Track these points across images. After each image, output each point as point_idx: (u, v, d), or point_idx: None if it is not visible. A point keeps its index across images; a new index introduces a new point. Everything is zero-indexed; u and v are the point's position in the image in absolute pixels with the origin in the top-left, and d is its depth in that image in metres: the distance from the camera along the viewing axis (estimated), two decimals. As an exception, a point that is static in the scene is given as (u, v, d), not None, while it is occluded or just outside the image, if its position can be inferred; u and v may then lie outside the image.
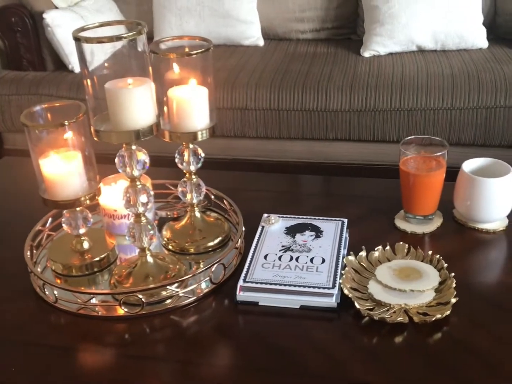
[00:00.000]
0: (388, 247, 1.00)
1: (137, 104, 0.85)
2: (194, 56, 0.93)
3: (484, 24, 2.23)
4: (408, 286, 0.88)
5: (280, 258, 0.97)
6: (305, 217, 1.08)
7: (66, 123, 0.88)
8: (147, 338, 0.87)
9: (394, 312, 0.86)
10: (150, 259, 0.96)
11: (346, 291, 0.89)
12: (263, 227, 1.06)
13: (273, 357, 0.81)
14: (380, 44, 2.21)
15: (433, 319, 0.83)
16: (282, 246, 1.00)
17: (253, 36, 2.44)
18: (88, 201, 0.94)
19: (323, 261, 0.96)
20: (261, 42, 2.45)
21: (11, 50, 2.29)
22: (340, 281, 0.91)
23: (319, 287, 0.89)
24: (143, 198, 0.91)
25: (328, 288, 0.89)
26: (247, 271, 0.94)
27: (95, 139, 0.88)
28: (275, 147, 2.10)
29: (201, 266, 1.01)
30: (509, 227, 1.06)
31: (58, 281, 0.99)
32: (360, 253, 0.98)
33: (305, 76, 2.07)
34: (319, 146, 2.07)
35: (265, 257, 0.97)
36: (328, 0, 2.46)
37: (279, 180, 1.37)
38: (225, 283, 0.96)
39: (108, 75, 0.86)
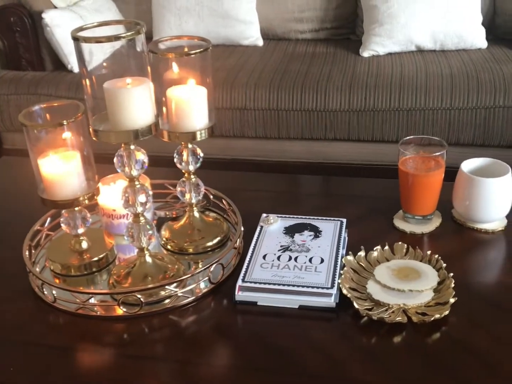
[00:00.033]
0: (387, 247, 1.00)
1: (135, 104, 0.85)
2: (193, 56, 0.93)
3: (483, 24, 2.23)
4: (407, 286, 0.88)
5: (279, 258, 0.97)
6: (304, 217, 1.08)
7: (65, 123, 0.88)
8: (146, 338, 0.87)
9: (392, 312, 0.86)
10: (148, 259, 0.96)
11: (344, 291, 0.89)
12: (262, 227, 1.06)
13: (271, 357, 0.81)
14: (379, 44, 2.21)
15: (432, 319, 0.83)
16: (281, 246, 1.00)
17: (252, 36, 2.44)
18: (86, 201, 0.94)
19: (322, 261, 0.96)
20: (260, 42, 2.45)
21: (10, 50, 2.28)
22: (339, 281, 0.91)
23: (317, 287, 0.89)
24: (141, 198, 0.91)
25: (327, 288, 0.89)
26: (246, 271, 0.94)
27: (94, 138, 0.88)
28: (274, 147, 2.10)
29: (200, 266, 1.01)
30: (508, 227, 1.06)
31: (57, 281, 0.99)
32: (359, 253, 0.98)
33: (304, 76, 2.07)
34: (318, 146, 2.07)
35: (264, 257, 0.97)
36: (327, 1, 2.46)
37: (278, 180, 1.37)
38: (224, 283, 0.96)
39: (106, 75, 0.86)
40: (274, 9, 2.49)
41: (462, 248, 1.03)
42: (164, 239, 1.07)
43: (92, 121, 0.87)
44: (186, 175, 1.03)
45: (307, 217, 1.08)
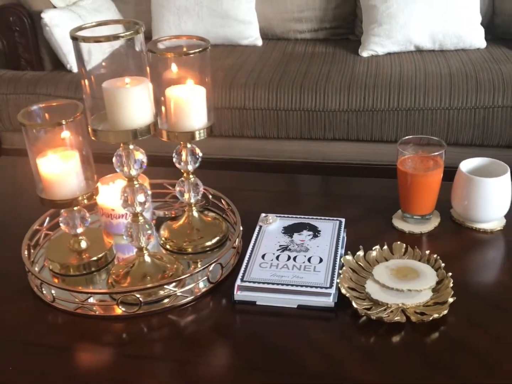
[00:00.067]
0: (385, 247, 1.00)
1: (134, 103, 0.84)
2: (191, 55, 0.93)
3: (482, 24, 2.23)
4: (406, 286, 0.88)
5: (277, 257, 0.97)
6: (302, 216, 1.08)
7: (64, 123, 0.88)
8: (145, 337, 0.87)
9: (391, 311, 0.86)
10: (147, 258, 0.96)
11: (343, 291, 0.89)
12: (260, 226, 1.06)
13: (270, 357, 0.81)
14: (378, 44, 2.21)
15: (431, 318, 0.83)
16: (280, 245, 1.00)
17: (251, 36, 2.44)
18: (85, 201, 0.94)
19: (321, 260, 0.96)
20: (259, 42, 2.45)
21: (9, 50, 2.28)
22: (338, 280, 0.91)
23: (316, 287, 0.89)
24: (140, 197, 0.91)
25: (326, 288, 0.89)
26: (245, 271, 0.94)
27: (93, 138, 0.88)
28: (273, 147, 2.10)
29: (199, 265, 1.00)
30: (506, 227, 1.06)
31: (56, 280, 0.99)
32: (358, 253, 0.98)
33: (303, 76, 2.07)
34: (317, 146, 2.07)
35: (263, 256, 0.97)
36: (326, 1, 2.46)
37: (277, 180, 1.37)
38: (223, 283, 0.96)
39: (105, 75, 0.86)
40: (273, 9, 2.49)
41: (461, 248, 1.03)
42: (163, 238, 1.07)
43: (91, 121, 0.87)
44: (185, 174, 1.03)
45: (306, 216, 1.08)
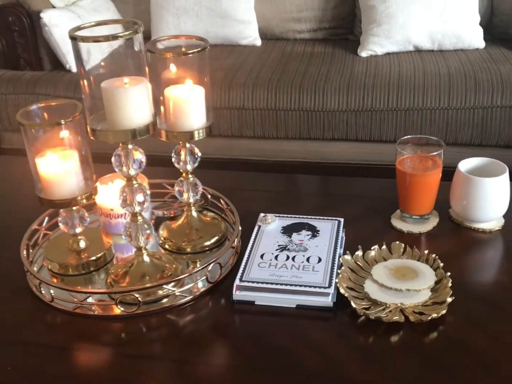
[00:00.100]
0: (384, 247, 1.00)
1: (133, 103, 0.84)
2: (190, 55, 0.93)
3: (480, 24, 2.23)
4: (404, 286, 0.88)
5: (276, 257, 0.97)
6: (301, 216, 1.08)
7: (63, 122, 0.88)
8: (144, 337, 0.87)
9: (390, 311, 0.86)
10: (146, 258, 0.96)
11: (342, 291, 0.89)
12: (259, 226, 1.06)
13: (269, 356, 0.81)
14: (377, 44, 2.21)
15: (429, 318, 0.83)
16: (279, 245, 1.00)
17: (251, 36, 2.44)
18: (84, 200, 0.94)
19: (320, 260, 0.96)
20: (258, 42, 2.45)
21: (9, 50, 2.28)
22: (336, 280, 0.91)
23: (315, 286, 0.89)
24: (139, 197, 0.91)
25: (324, 288, 0.89)
26: (244, 271, 0.94)
27: (92, 138, 0.88)
28: (272, 146, 2.10)
29: (198, 265, 1.00)
30: (505, 227, 1.06)
31: (55, 280, 0.99)
32: (357, 253, 0.98)
33: (302, 76, 2.06)
34: (316, 146, 2.07)
35: (262, 256, 0.97)
36: (325, 0, 2.46)
37: (276, 179, 1.37)
38: (222, 283, 0.96)
39: (104, 74, 0.86)
40: (272, 9, 2.49)
41: (460, 248, 1.03)
42: (162, 238, 1.06)
43: (90, 121, 0.87)
44: (184, 174, 1.03)
45: (305, 216, 1.07)
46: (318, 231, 1.03)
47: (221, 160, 2.09)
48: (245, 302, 0.91)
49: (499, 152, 1.88)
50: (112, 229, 1.07)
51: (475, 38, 2.21)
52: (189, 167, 1.01)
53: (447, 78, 1.96)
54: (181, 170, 1.02)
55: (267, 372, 0.79)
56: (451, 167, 1.07)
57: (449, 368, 0.78)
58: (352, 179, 1.50)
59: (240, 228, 1.04)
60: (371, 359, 0.80)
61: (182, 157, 1.00)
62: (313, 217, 1.07)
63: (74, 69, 2.21)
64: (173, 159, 1.01)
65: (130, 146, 0.88)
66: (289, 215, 1.08)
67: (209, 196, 1.15)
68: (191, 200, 1.05)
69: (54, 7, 2.29)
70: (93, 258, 1.00)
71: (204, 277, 0.95)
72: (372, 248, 0.99)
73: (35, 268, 1.00)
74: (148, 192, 0.94)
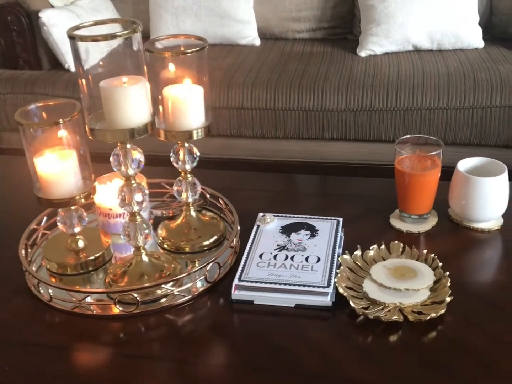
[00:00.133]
0: (383, 246, 1.00)
1: (132, 102, 0.84)
2: (189, 54, 0.93)
3: (480, 24, 2.23)
4: (403, 285, 0.88)
5: (275, 257, 0.97)
6: (300, 216, 1.08)
7: (61, 122, 0.88)
8: (142, 337, 0.87)
9: (389, 311, 0.86)
10: (145, 258, 0.96)
11: (341, 290, 0.89)
12: (258, 226, 1.06)
13: (268, 356, 0.81)
14: (376, 44, 2.21)
15: (428, 318, 0.83)
16: (278, 245, 1.00)
17: (250, 35, 2.44)
18: (83, 200, 0.94)
19: (318, 260, 0.95)
20: (257, 42, 2.45)
21: (7, 49, 2.28)
22: (335, 280, 0.91)
23: (314, 286, 0.89)
24: (138, 197, 0.91)
25: (323, 287, 0.89)
26: (242, 270, 0.94)
27: (90, 137, 0.88)
28: (271, 146, 2.10)
29: (196, 265, 1.00)
30: (504, 226, 1.06)
31: (53, 280, 0.99)
32: (355, 252, 0.98)
33: (301, 75, 2.06)
34: (315, 145, 2.07)
35: (260, 256, 0.97)
36: (325, 0, 2.46)
37: (275, 179, 1.37)
38: (220, 282, 0.96)
39: (103, 74, 0.86)
40: (271, 8, 2.49)
41: (458, 247, 1.03)
42: (160, 238, 1.06)
43: (88, 120, 0.87)
44: (182, 174, 1.02)
45: (304, 216, 1.07)
46: (317, 230, 1.03)
47: (220, 160, 2.09)
48: (244, 301, 0.91)
49: (498, 152, 1.88)
50: (110, 229, 1.07)
51: (474, 38, 2.21)
52: (187, 167, 1.01)
53: (446, 78, 1.96)
54: (179, 170, 1.02)
55: (266, 372, 0.79)
56: (450, 167, 1.07)
57: (448, 368, 0.78)
58: (351, 178, 1.50)
59: (239, 228, 1.04)
60: (370, 358, 0.80)
61: (181, 156, 1.00)
62: (312, 216, 1.07)
63: (72, 68, 2.21)
64: (171, 159, 1.01)
65: (128, 146, 0.88)
66: (288, 215, 1.08)
67: (208, 196, 1.15)
68: (190, 200, 1.05)
69: (53, 6, 2.29)
70: (92, 257, 1.00)
71: (203, 277, 0.95)
72: (371, 247, 0.99)
73: (33, 268, 1.00)
74: (147, 191, 0.94)
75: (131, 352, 0.84)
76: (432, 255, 0.95)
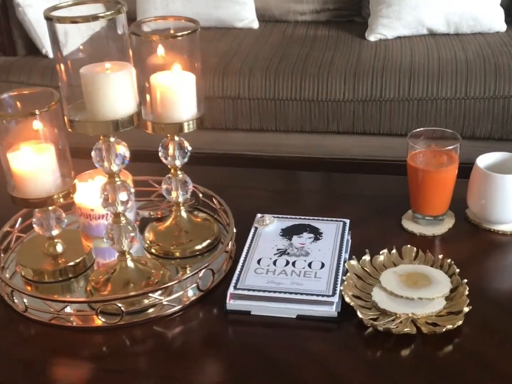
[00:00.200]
0: (394, 251, 1.00)
1: (115, 91, 0.84)
2: (179, 38, 0.93)
3: (501, 5, 2.24)
4: (416, 294, 0.89)
5: (275, 262, 0.97)
6: (302, 217, 1.08)
7: (37, 113, 0.88)
8: (127, 351, 0.87)
9: (400, 322, 0.86)
10: (130, 263, 0.96)
11: (347, 299, 0.89)
12: (256, 228, 1.06)
13: (267, 372, 0.81)
14: (387, 27, 2.22)
15: (444, 330, 0.83)
16: (277, 249, 1.00)
17: (247, 17, 2.44)
18: (61, 200, 0.94)
19: (323, 266, 0.96)
20: (255, 24, 2.45)
21: (-22, 32, 2.28)
22: (341, 288, 0.91)
23: (317, 295, 0.90)
24: (122, 196, 0.91)
25: (328, 296, 0.89)
26: (238, 277, 0.94)
27: (69, 130, 0.88)
28: (270, 140, 2.10)
29: (188, 271, 1.01)
30: (527, 229, 1.06)
31: (28, 288, 0.99)
32: (363, 257, 0.98)
33: (304, 61, 2.07)
34: (319, 139, 2.07)
35: (259, 261, 0.97)
36: (330, -22, 2.46)
37: (274, 176, 1.38)
38: (214, 291, 0.96)
39: (84, 60, 0.86)
40: (271, -12, 2.49)
41: (477, 252, 1.03)
42: (147, 241, 1.07)
43: (67, 111, 0.87)
44: (172, 171, 1.03)
45: (307, 217, 1.08)
46: (321, 233, 1.03)
47: (214, 155, 2.09)
48: (240, 312, 0.91)
49: (521, 147, 1.89)
50: (92, 232, 1.07)
51: (496, 20, 2.21)
52: (178, 163, 1.01)
53: (465, 65, 1.96)
54: (169, 166, 1.02)
55: (264, 390, 0.80)
56: (469, 163, 1.08)
57: (465, 385, 0.78)
58: (358, 176, 1.50)
59: (234, 231, 1.05)
60: (379, 374, 0.80)
61: (170, 151, 1.00)
62: (316, 218, 1.07)
63: (50, 54, 2.21)
64: (160, 154, 1.01)
65: (112, 139, 0.88)
66: (289, 216, 1.08)
67: (200, 195, 1.16)
68: (180, 199, 1.05)
69: (28, -15, 2.29)
70: (71, 263, 1.00)
71: (195, 285, 0.95)
72: (380, 252, 0.99)
73: (7, 275, 1.01)
74: (132, 190, 0.94)
75: (114, 367, 0.84)
76: (449, 260, 0.96)
